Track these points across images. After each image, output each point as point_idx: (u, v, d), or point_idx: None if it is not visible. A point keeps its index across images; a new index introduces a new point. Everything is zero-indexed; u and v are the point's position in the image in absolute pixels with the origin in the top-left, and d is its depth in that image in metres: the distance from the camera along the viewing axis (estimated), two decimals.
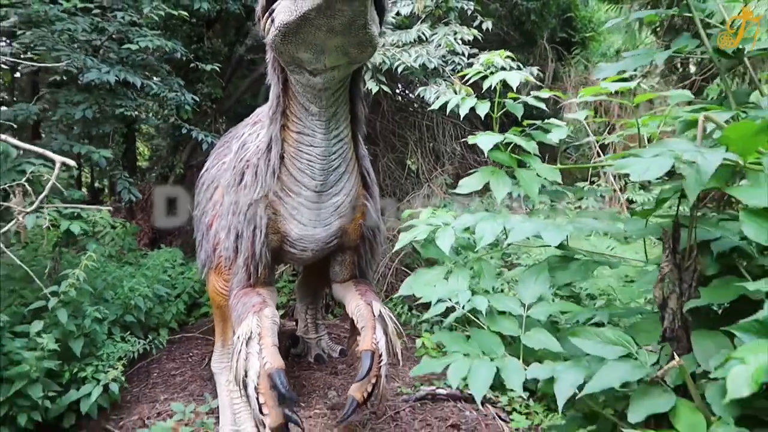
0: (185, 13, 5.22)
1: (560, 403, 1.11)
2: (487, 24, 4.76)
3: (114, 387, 3.67)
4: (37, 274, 3.97)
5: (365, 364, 2.85)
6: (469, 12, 4.81)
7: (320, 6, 2.00)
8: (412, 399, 3.97)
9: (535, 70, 4.58)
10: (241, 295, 3.11)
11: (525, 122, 1.83)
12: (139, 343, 4.23)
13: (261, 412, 2.65)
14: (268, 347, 2.72)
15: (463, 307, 1.44)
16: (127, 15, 5.04)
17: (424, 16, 4.77)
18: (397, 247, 1.64)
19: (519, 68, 4.59)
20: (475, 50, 4.56)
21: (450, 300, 1.49)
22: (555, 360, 1.27)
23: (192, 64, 5.68)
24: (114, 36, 5.29)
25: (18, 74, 9.73)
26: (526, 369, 1.24)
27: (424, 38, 4.56)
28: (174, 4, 5.42)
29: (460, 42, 4.43)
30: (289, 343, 4.95)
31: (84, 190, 11.60)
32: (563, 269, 1.46)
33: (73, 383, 3.64)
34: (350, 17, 2.07)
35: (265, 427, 2.74)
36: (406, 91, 8.97)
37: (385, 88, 4.32)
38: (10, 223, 2.36)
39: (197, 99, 5.57)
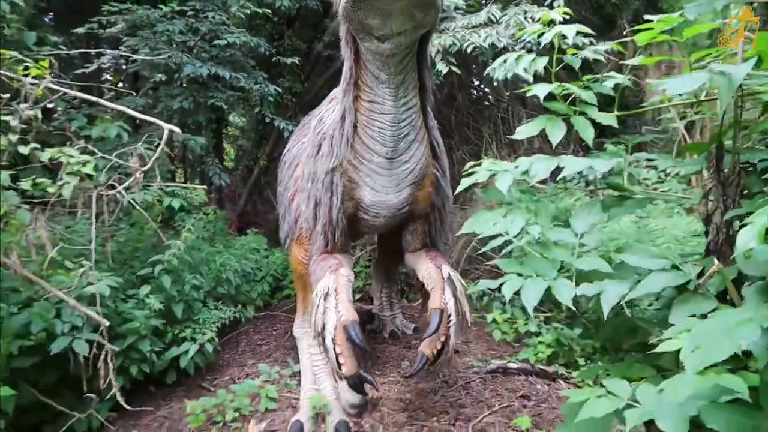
0: (269, 11, 5.60)
1: (605, 312, 1.20)
2: (559, 2, 4.70)
3: (208, 347, 4.06)
4: (144, 246, 4.49)
5: (434, 321, 2.98)
6: None
7: None
8: (482, 372, 4.05)
9: (611, 44, 4.45)
10: (320, 260, 3.35)
11: (585, 77, 1.89)
12: (230, 311, 4.62)
13: (338, 361, 2.87)
14: (343, 302, 2.93)
15: (520, 239, 1.55)
16: (217, 15, 5.49)
17: None
18: (458, 189, 1.77)
19: (592, 44, 4.51)
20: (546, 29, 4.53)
21: (507, 234, 1.59)
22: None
23: (274, 59, 6.06)
24: (206, 35, 5.79)
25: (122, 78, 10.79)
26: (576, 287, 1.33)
27: (494, 19, 4.60)
28: (258, 2, 5.82)
29: (530, 21, 4.43)
30: (365, 319, 5.18)
31: (187, 181, 12.64)
32: (618, 205, 1.52)
33: (175, 343, 4.07)
34: None
35: (341, 378, 2.95)
36: (481, 84, 8.97)
37: (456, 69, 4.41)
38: (131, 179, 2.71)
39: (279, 90, 5.94)
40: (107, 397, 3.55)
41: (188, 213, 4.28)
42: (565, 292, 1.32)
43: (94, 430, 3.46)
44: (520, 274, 1.40)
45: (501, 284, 1.43)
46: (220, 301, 4.77)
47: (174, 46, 5.67)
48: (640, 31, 1.64)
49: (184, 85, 5.40)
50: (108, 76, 7.80)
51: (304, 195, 3.56)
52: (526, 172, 1.66)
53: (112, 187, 2.64)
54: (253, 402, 3.66)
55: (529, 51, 4.47)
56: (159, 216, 4.16)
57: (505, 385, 3.88)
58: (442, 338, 3.09)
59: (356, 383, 3.00)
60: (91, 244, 2.56)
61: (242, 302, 5.52)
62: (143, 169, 2.76)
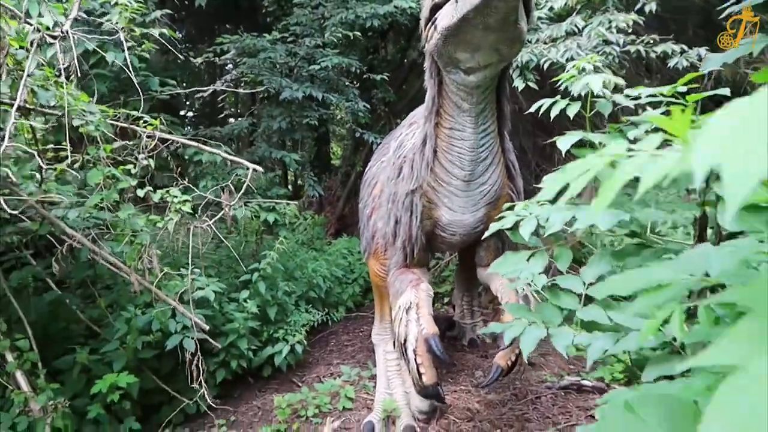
0: (359, 34, 5.97)
1: (589, 362, 1.33)
2: (651, 6, 4.50)
3: (298, 348, 4.52)
4: (246, 255, 5.07)
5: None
6: None
7: (478, 6, 2.34)
8: (555, 387, 4.08)
9: (703, 51, 4.21)
10: (398, 274, 3.61)
11: (611, 126, 1.95)
12: (318, 314, 5.06)
13: (418, 371, 3.11)
14: (424, 315, 3.17)
15: (535, 283, 1.69)
16: (313, 39, 5.97)
17: (579, 6, 4.72)
18: (486, 234, 1.93)
19: (682, 51, 4.28)
20: (632, 37, 4.38)
21: (526, 278, 1.74)
22: (606, 330, 1.46)
23: (364, 76, 6.44)
24: (306, 57, 6.31)
25: (244, 92, 11.93)
26: (575, 336, 1.45)
27: (576, 30, 4.53)
28: (350, 25, 6.22)
29: (614, 30, 4.31)
30: (445, 326, 5.38)
31: (289, 187, 13.66)
32: (636, 255, 1.60)
33: (269, 342, 4.58)
34: (504, 13, 2.36)
35: (422, 387, 3.17)
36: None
37: (532, 84, 4.43)
38: (221, 213, 3.20)
39: (368, 106, 6.30)
40: (213, 386, 4.16)
41: (283, 226, 4.77)
42: (562, 341, 1.45)
43: (201, 412, 4.04)
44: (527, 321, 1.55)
45: (503, 330, 1.59)
46: (311, 305, 5.24)
47: (277, 69, 6.27)
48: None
49: (283, 106, 5.94)
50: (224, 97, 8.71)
51: (381, 212, 3.86)
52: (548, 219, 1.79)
53: (204, 221, 3.12)
54: (333, 400, 4.04)
55: (609, 67, 4.37)
56: (258, 228, 4.69)
57: (577, 402, 3.89)
58: (517, 350, 3.21)
59: (436, 392, 3.22)
60: (189, 259, 3.02)
61: (333, 304, 5.97)
62: (232, 203, 3.22)
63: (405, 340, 3.20)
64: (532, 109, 2.11)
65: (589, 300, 1.59)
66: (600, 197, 0.64)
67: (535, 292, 1.66)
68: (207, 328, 3.15)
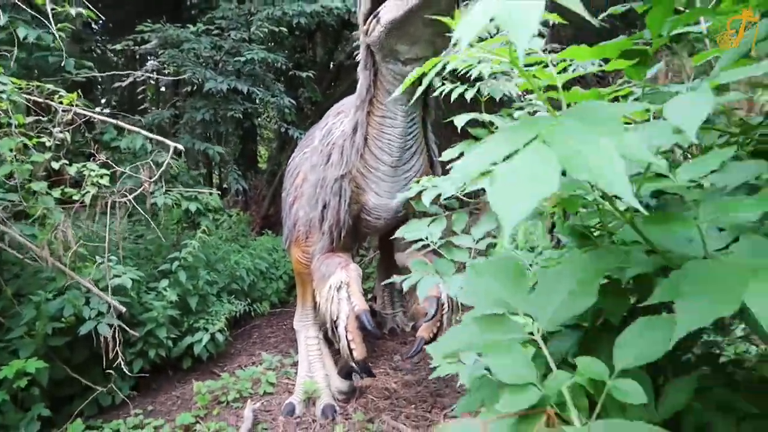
0: (285, 30, 6.06)
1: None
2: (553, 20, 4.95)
3: (219, 337, 4.52)
4: (166, 246, 5.00)
5: (432, 308, 3.31)
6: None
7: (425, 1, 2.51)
8: None
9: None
10: (324, 258, 3.73)
11: (504, 110, 2.22)
12: (241, 305, 5.08)
13: (349, 347, 3.24)
14: (355, 293, 3.31)
15: (435, 243, 1.91)
16: (239, 33, 5.99)
17: None
18: (398, 199, 2.12)
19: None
20: (555, 45, 4.81)
21: (427, 239, 1.95)
22: None
23: (290, 72, 6.53)
24: (231, 51, 6.30)
25: (163, 89, 11.56)
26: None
27: (489, 36, 4.88)
28: (277, 21, 6.29)
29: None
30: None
31: (215, 188, 13.40)
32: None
33: (190, 332, 4.54)
34: (445, 7, 2.55)
35: (353, 361, 3.29)
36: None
37: (449, 85, 4.73)
38: (140, 189, 3.19)
39: (294, 102, 6.39)
40: (129, 377, 4.07)
41: (205, 215, 4.75)
42: (454, 286, 1.67)
43: (117, 404, 3.95)
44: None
45: (404, 279, 1.79)
46: (234, 296, 5.23)
47: (201, 61, 6.21)
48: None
49: (207, 98, 5.91)
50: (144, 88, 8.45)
51: (303, 201, 3.97)
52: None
53: (123, 195, 3.10)
54: (254, 386, 4.09)
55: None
56: (179, 218, 4.65)
57: None
58: (438, 323, 3.43)
59: (366, 367, 3.37)
60: (106, 242, 3.00)
61: (257, 298, 5.98)
62: (152, 180, 3.23)
63: (337, 318, 3.33)
64: (437, 93, 2.34)
65: (479, 254, 1.82)
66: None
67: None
68: (123, 310, 3.12)
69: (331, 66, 9.35)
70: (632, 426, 0.52)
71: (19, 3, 2.86)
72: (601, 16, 2.08)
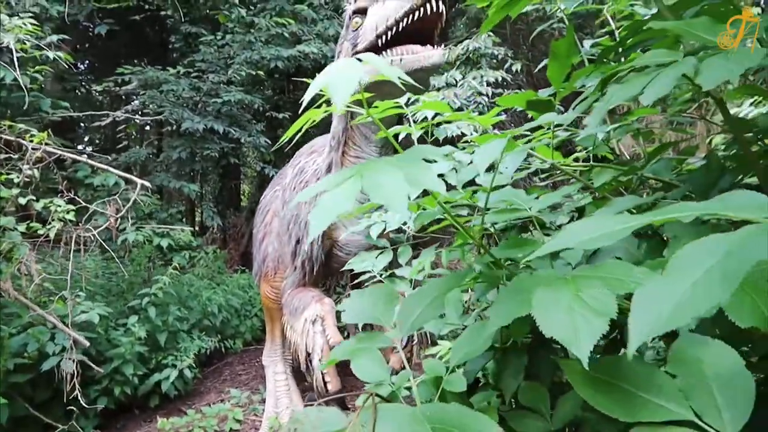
0: (262, 73, 6.29)
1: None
2: (517, 66, 5.27)
3: (187, 373, 4.50)
4: (137, 283, 5.02)
5: (403, 340, 3.37)
6: (500, 56, 5.37)
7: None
8: None
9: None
10: (296, 293, 3.78)
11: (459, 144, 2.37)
12: (212, 341, 5.08)
13: (324, 380, 3.27)
14: (330, 326, 3.36)
15: (380, 274, 2.01)
16: (218, 76, 6.20)
17: (458, 63, 5.40)
18: (342, 236, 2.23)
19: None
20: (500, 90, 5.09)
21: (372, 270, 2.06)
22: None
23: (267, 114, 6.73)
24: (210, 92, 6.50)
25: (147, 127, 11.73)
26: None
27: (455, 82, 5.17)
28: (255, 65, 6.53)
29: (484, 84, 4.98)
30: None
31: (196, 227, 13.39)
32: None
33: (158, 369, 4.52)
34: (423, 79, 2.69)
35: (326, 392, 3.31)
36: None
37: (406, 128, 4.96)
38: (106, 224, 3.27)
39: (269, 142, 6.56)
40: (93, 416, 4.03)
41: (177, 252, 4.80)
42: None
43: None
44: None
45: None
46: (204, 333, 5.23)
47: (180, 102, 6.39)
48: None
49: (184, 137, 6.05)
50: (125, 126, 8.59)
51: (273, 237, 4.07)
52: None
53: (88, 230, 3.18)
54: (220, 423, 4.07)
55: (481, 113, 5.04)
56: (150, 254, 4.70)
57: None
58: (408, 355, 3.48)
59: (341, 400, 3.39)
60: (69, 275, 3.05)
61: (230, 336, 5.96)
62: (118, 215, 3.31)
63: (312, 351, 3.37)
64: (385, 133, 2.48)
65: (418, 284, 1.93)
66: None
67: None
68: (87, 344, 3.14)
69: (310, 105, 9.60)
70: (448, 407, 0.62)
71: None
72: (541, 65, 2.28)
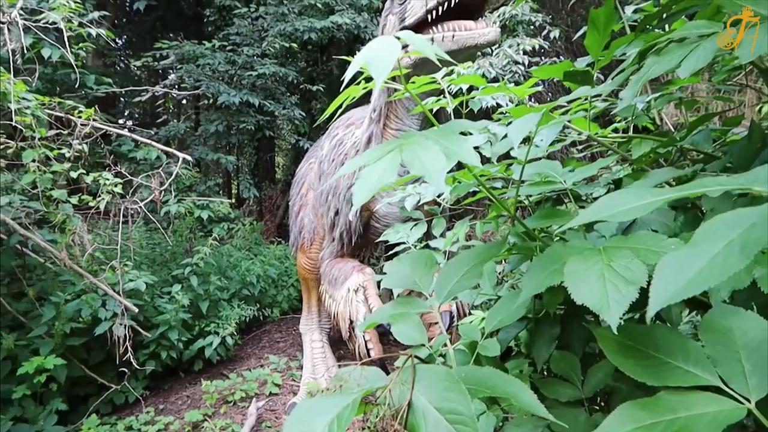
0: (295, 45, 6.30)
1: None
2: (555, 33, 5.11)
3: (229, 340, 4.70)
4: (179, 253, 5.22)
5: (445, 321, 3.44)
6: (537, 23, 5.21)
7: (454, 50, 2.59)
8: None
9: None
10: (335, 263, 3.88)
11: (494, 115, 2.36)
12: (251, 310, 5.26)
13: (367, 347, 3.38)
14: (372, 296, 3.45)
15: (414, 246, 2.05)
16: (252, 49, 6.24)
17: None
18: (376, 208, 2.27)
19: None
20: (537, 59, 4.96)
21: (407, 242, 2.10)
22: None
23: (301, 86, 6.76)
24: (245, 66, 6.57)
25: (184, 101, 11.96)
26: None
27: (489, 51, 5.06)
28: (289, 37, 6.54)
29: (521, 52, 4.86)
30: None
31: (233, 199, 13.74)
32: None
33: (201, 335, 4.74)
34: (473, 55, 2.67)
35: (370, 360, 3.43)
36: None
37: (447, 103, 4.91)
38: (150, 196, 3.41)
39: (304, 114, 6.61)
40: (142, 377, 4.28)
41: (217, 223, 4.95)
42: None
43: (130, 402, 4.14)
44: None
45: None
46: (244, 302, 5.42)
47: (216, 75, 6.49)
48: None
49: (220, 111, 6.16)
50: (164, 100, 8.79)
51: (308, 209, 4.15)
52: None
53: (135, 202, 3.32)
54: (260, 387, 4.26)
55: (517, 83, 4.93)
56: (191, 225, 4.87)
57: None
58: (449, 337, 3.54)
59: (382, 364, 3.50)
60: (118, 245, 3.21)
61: (268, 305, 6.16)
62: (162, 188, 3.44)
63: (354, 319, 3.47)
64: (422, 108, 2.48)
65: (451, 255, 1.96)
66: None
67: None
68: (136, 310, 3.32)
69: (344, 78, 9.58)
70: (482, 369, 0.66)
71: (43, 25, 3.11)
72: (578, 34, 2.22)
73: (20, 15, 2.69)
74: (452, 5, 2.51)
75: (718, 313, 0.64)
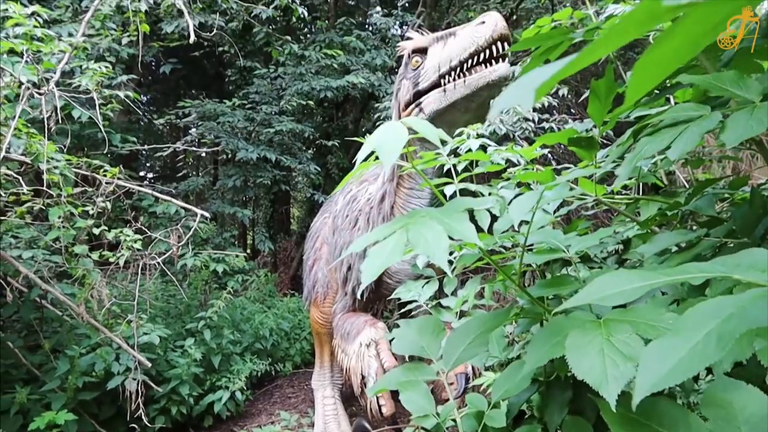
0: (312, 103, 6.54)
1: None
2: (563, 90, 5.25)
3: (239, 395, 4.64)
4: (194, 306, 5.25)
5: (461, 385, 3.38)
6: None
7: (467, 95, 2.71)
8: None
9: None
10: (347, 317, 3.87)
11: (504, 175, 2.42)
12: (263, 364, 5.22)
13: (378, 403, 3.32)
14: (384, 350, 3.42)
15: (428, 305, 2.07)
16: (270, 107, 6.49)
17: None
18: (390, 263, 2.30)
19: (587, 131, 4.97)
20: (547, 115, 5.07)
21: (418, 299, 2.12)
22: None
23: (317, 142, 6.97)
24: (263, 123, 6.81)
25: (203, 154, 12.34)
26: None
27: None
28: (306, 95, 6.81)
29: (531, 109, 4.98)
30: None
31: (248, 250, 13.86)
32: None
33: (211, 390, 4.69)
34: (486, 99, 2.80)
35: (381, 416, 3.36)
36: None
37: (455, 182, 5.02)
38: (169, 252, 3.49)
39: (318, 169, 6.77)
40: None
41: (231, 276, 5.01)
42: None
43: None
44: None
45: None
46: (256, 356, 5.39)
47: (236, 132, 6.73)
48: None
49: (239, 166, 6.35)
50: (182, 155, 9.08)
51: (322, 263, 4.19)
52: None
53: (153, 258, 3.40)
54: None
55: (527, 139, 5.03)
56: (206, 278, 4.92)
57: None
58: (460, 404, 3.46)
59: (394, 422, 3.43)
60: (135, 300, 3.26)
61: (280, 358, 6.11)
62: (180, 244, 3.53)
63: (366, 375, 3.43)
64: (428, 184, 2.55)
65: (463, 314, 1.97)
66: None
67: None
68: (149, 365, 3.33)
69: (359, 133, 9.85)
70: None
71: (75, 92, 3.33)
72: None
73: (56, 86, 2.89)
74: (464, 69, 2.62)
75: (720, 387, 0.65)
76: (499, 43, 2.49)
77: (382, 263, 0.63)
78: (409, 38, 3.11)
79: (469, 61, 2.57)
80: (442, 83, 2.73)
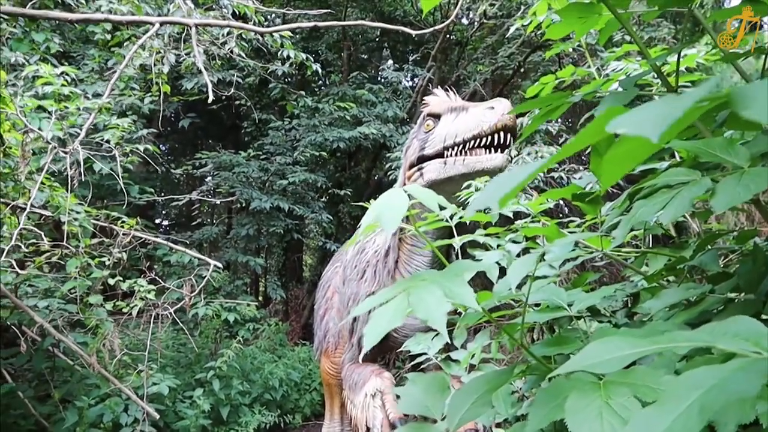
0: (325, 153, 6.70)
1: None
2: (571, 140, 5.34)
3: None
4: (204, 355, 5.23)
5: None
6: (554, 132, 5.48)
7: (464, 173, 2.78)
8: None
9: None
10: (354, 368, 3.83)
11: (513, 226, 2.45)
12: (272, 416, 5.13)
13: None
14: (389, 401, 3.36)
15: (437, 357, 2.06)
16: (284, 158, 6.65)
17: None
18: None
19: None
20: (555, 165, 5.14)
21: (427, 353, 2.11)
22: None
23: (329, 191, 7.09)
24: (277, 173, 6.96)
25: (218, 203, 12.58)
26: None
27: (509, 159, 5.27)
28: (319, 146, 6.98)
29: (539, 159, 5.05)
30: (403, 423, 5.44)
31: (260, 298, 13.84)
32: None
33: None
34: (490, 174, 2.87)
35: None
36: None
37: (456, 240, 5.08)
38: (181, 302, 3.52)
39: (330, 218, 6.86)
40: None
41: (242, 325, 5.01)
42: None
43: None
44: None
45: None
46: (265, 407, 5.30)
47: (250, 182, 6.89)
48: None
49: (252, 215, 6.46)
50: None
51: (333, 312, 4.18)
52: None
53: (166, 308, 3.43)
54: None
55: (537, 188, 5.08)
56: (217, 327, 4.93)
57: None
58: None
59: None
60: (146, 351, 3.27)
61: (290, 409, 5.99)
62: (192, 294, 3.56)
63: (371, 426, 3.36)
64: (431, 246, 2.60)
65: (472, 367, 1.96)
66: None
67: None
68: (158, 416, 3.30)
69: (370, 182, 9.99)
70: None
71: (98, 148, 3.48)
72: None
73: (81, 145, 3.04)
74: (467, 149, 2.72)
75: None
76: (502, 133, 2.58)
77: (384, 328, 0.65)
78: (434, 94, 3.23)
79: (472, 142, 2.68)
80: (445, 155, 2.84)
